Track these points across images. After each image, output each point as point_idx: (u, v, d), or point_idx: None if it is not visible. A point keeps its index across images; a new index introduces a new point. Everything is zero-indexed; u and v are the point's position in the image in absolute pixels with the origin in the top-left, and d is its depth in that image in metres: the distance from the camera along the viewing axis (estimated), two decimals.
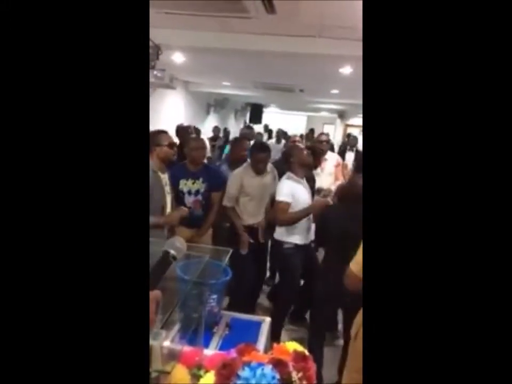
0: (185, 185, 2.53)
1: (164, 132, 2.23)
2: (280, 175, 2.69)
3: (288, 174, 2.52)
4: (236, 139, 3.72)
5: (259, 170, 2.63)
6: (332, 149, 5.29)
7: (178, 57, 4.06)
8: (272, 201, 2.63)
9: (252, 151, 2.72)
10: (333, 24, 2.68)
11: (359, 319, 1.58)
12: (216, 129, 7.46)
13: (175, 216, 2.21)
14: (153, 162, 2.12)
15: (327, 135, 4.09)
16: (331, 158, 3.66)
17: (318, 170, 3.30)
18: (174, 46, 3.59)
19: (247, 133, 5.62)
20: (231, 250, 1.27)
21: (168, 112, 6.39)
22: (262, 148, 2.71)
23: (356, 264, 1.51)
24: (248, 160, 2.71)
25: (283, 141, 7.15)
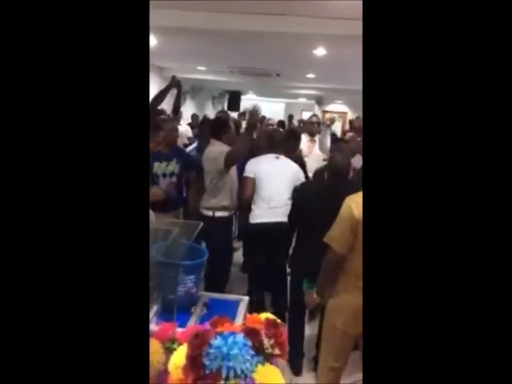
0: (159, 167, 2.47)
1: None
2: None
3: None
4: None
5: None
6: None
7: (149, 40, 3.95)
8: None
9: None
10: (303, 1, 2.64)
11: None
12: (194, 117, 7.33)
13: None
14: None
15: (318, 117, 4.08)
16: None
17: (307, 153, 3.29)
18: None
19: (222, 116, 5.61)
20: (201, 224, 1.26)
21: None
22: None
23: (330, 237, 1.53)
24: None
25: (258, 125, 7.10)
